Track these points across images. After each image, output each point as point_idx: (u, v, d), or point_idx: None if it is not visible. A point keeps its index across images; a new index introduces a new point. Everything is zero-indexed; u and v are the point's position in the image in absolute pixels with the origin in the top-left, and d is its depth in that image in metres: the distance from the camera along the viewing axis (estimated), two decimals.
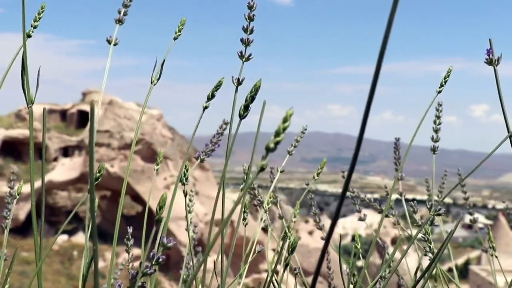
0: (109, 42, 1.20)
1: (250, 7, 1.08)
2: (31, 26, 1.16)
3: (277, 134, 0.49)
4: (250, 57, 1.09)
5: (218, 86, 1.11)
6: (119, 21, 1.21)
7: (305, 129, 1.38)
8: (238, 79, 1.08)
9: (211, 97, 1.12)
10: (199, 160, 1.14)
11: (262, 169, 0.50)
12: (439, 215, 1.07)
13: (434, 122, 1.21)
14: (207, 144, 1.15)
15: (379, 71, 0.43)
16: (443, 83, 1.20)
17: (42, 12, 1.17)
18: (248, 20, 1.08)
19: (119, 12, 1.21)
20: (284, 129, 0.49)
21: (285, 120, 0.48)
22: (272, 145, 0.49)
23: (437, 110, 1.21)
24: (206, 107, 1.13)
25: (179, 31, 1.23)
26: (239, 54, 1.09)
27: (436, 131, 1.22)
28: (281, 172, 1.36)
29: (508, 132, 1.08)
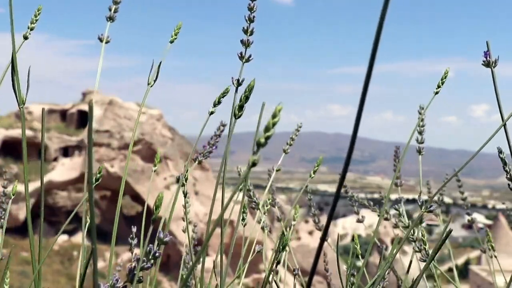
0: (100, 40, 1.20)
1: (250, 9, 1.07)
2: (28, 28, 1.16)
3: (267, 129, 0.49)
4: (250, 59, 1.09)
5: (225, 93, 1.12)
6: (110, 19, 1.21)
7: (300, 127, 1.38)
8: (238, 80, 1.08)
9: (217, 103, 1.13)
10: (196, 162, 1.14)
11: (253, 164, 0.50)
12: (430, 211, 1.08)
13: (418, 124, 1.21)
14: (204, 145, 1.15)
15: (372, 68, 0.43)
16: (440, 84, 1.21)
17: (38, 14, 1.17)
18: (248, 22, 1.08)
19: (110, 9, 1.21)
20: (274, 124, 0.49)
21: (274, 115, 0.49)
22: (262, 140, 0.49)
23: (420, 113, 1.21)
24: (212, 112, 1.13)
25: (175, 34, 1.23)
26: (239, 55, 1.09)
27: (420, 132, 1.22)
28: (277, 171, 1.36)
29: (506, 133, 1.09)
